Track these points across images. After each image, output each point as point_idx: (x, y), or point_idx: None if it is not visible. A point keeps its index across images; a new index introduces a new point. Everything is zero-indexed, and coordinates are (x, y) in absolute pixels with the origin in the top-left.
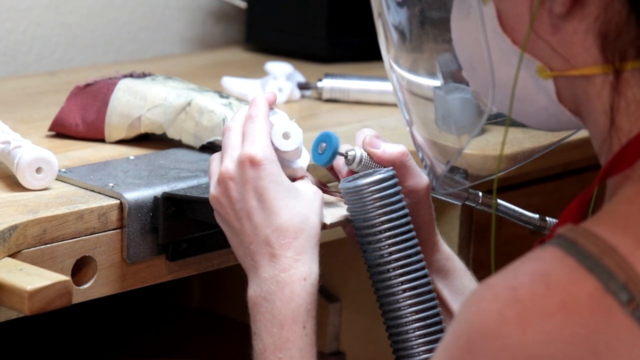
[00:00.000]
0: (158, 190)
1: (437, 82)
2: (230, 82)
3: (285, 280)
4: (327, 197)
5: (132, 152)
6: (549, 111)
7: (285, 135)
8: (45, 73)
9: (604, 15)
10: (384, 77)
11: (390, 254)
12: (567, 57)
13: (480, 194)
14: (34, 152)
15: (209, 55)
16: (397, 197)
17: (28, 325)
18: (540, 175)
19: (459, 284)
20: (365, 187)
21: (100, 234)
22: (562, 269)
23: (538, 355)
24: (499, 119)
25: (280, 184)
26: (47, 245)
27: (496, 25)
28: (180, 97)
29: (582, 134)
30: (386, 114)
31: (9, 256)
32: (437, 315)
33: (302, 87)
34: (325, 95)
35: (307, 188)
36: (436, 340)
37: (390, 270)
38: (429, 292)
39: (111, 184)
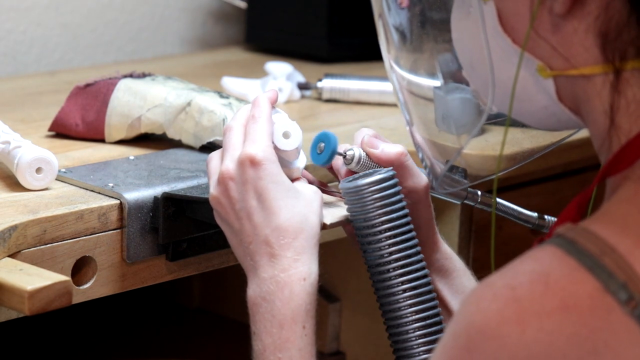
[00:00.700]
0: (158, 190)
1: (437, 83)
2: (230, 82)
3: (285, 280)
4: (327, 197)
5: (132, 152)
6: (549, 110)
7: (286, 135)
8: (45, 73)
9: (604, 14)
10: (384, 77)
11: (390, 254)
12: (567, 57)
13: (479, 192)
14: (34, 152)
15: (209, 55)
16: (397, 197)
17: (28, 325)
18: (540, 175)
19: (458, 283)
20: (365, 187)
21: (100, 234)
22: (561, 268)
23: (537, 354)
24: (499, 119)
25: (280, 184)
26: (47, 246)
27: (496, 24)
28: (180, 97)
29: (582, 134)
30: (386, 114)
31: (9, 256)
32: (437, 315)
33: (302, 87)
34: (325, 96)
35: (307, 188)
36: (436, 340)
37: (390, 270)
38: (429, 292)
39: (111, 184)
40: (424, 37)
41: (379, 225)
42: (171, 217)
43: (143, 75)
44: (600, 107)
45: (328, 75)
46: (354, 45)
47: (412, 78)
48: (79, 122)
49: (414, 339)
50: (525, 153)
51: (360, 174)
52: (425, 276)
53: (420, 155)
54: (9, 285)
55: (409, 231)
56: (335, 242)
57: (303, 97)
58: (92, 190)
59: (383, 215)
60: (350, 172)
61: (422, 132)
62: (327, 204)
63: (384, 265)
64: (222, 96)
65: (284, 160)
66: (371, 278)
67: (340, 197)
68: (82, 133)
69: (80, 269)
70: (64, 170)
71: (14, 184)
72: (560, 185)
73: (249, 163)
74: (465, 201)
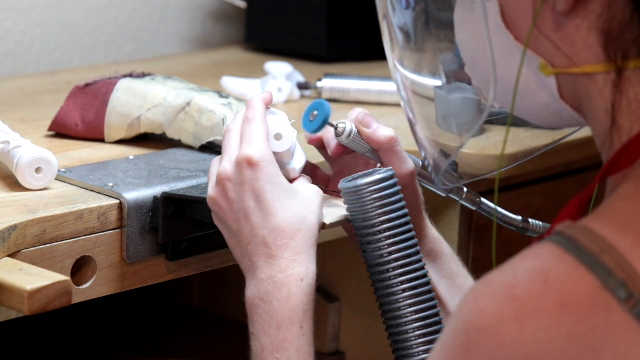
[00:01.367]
0: (158, 190)
1: (441, 82)
2: (230, 82)
3: (283, 281)
4: (327, 197)
5: (131, 152)
6: (550, 108)
7: (277, 137)
8: (45, 73)
9: (607, 13)
10: (384, 77)
11: (390, 254)
12: (569, 55)
13: (465, 189)
14: (33, 152)
15: (209, 55)
16: (397, 197)
17: (28, 325)
18: (540, 175)
19: (446, 268)
20: (365, 187)
21: (100, 234)
22: (560, 266)
23: (536, 352)
24: (500, 116)
25: (277, 184)
26: (47, 245)
27: (499, 21)
28: (180, 97)
29: (582, 134)
30: (386, 114)
31: (9, 256)
32: (436, 315)
33: (301, 87)
34: (325, 95)
35: (307, 188)
36: (436, 340)
37: (390, 270)
38: (429, 292)
39: (111, 184)
40: (429, 38)
41: (378, 225)
42: (171, 217)
43: (143, 75)
44: (601, 105)
45: (328, 75)
46: (354, 45)
47: (416, 78)
48: (78, 122)
49: (413, 338)
50: (526, 152)
51: (360, 173)
52: (425, 276)
53: (423, 153)
54: (8, 285)
55: (409, 231)
56: (335, 242)
57: (303, 97)
58: (91, 190)
59: (383, 215)
60: (340, 147)
61: (425, 131)
62: (327, 204)
63: (383, 265)
64: (222, 96)
65: (278, 161)
66: (371, 278)
67: (340, 197)
68: (81, 133)
69: (80, 268)
70: (63, 170)
71: (14, 184)
72: (560, 185)
73: (247, 164)
74: (450, 195)
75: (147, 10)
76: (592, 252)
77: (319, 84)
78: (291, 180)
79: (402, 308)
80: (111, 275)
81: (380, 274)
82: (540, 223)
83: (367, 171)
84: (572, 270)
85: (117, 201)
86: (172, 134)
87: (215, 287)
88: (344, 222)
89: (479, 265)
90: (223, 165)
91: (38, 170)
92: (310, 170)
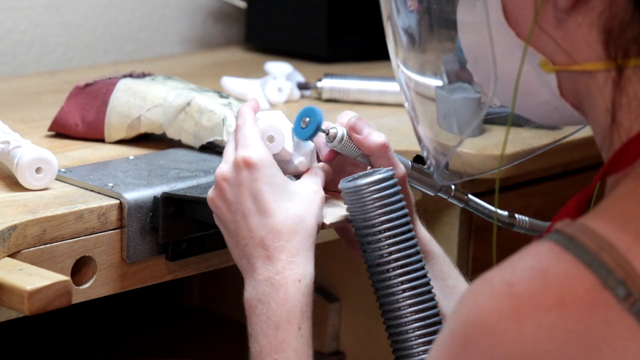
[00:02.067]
0: (158, 190)
1: (443, 82)
2: (230, 82)
3: (280, 282)
4: (327, 197)
5: (131, 152)
6: (551, 105)
7: (270, 139)
8: (45, 73)
9: (608, 11)
10: (384, 77)
11: (390, 254)
12: (570, 52)
13: (453, 187)
14: (33, 152)
15: (208, 55)
16: (397, 197)
17: (28, 325)
18: (540, 175)
19: (437, 269)
20: (365, 187)
21: (99, 234)
22: (559, 264)
23: (535, 350)
24: (501, 114)
25: (274, 185)
26: (47, 245)
27: (501, 17)
28: (180, 97)
29: (582, 134)
30: (386, 114)
31: (9, 256)
32: (436, 315)
33: (301, 87)
34: (325, 95)
35: (306, 189)
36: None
37: (390, 270)
38: (429, 292)
39: (111, 184)
40: (433, 39)
41: (378, 225)
42: (171, 217)
43: (143, 75)
44: (602, 104)
45: (328, 75)
46: (354, 45)
47: (419, 78)
48: (78, 122)
49: (413, 338)
50: (526, 151)
51: (360, 173)
52: (425, 276)
53: (425, 153)
54: (8, 285)
55: (409, 231)
56: (335, 242)
57: (303, 97)
58: (91, 190)
59: (382, 215)
60: (332, 152)
61: (427, 130)
62: (327, 204)
63: (383, 265)
64: (221, 96)
65: (281, 162)
66: (371, 278)
67: (340, 197)
68: (81, 133)
69: (80, 268)
70: (63, 170)
71: (14, 184)
72: (560, 185)
73: (244, 165)
74: (439, 194)
75: (147, 11)
76: (591, 251)
77: (319, 84)
78: (302, 174)
79: (402, 308)
80: (111, 275)
81: (380, 274)
82: (527, 218)
83: (367, 171)
84: (571, 268)
85: (117, 201)
86: (172, 134)
87: (215, 287)
88: (344, 222)
89: (479, 265)
90: (220, 166)
91: (38, 170)
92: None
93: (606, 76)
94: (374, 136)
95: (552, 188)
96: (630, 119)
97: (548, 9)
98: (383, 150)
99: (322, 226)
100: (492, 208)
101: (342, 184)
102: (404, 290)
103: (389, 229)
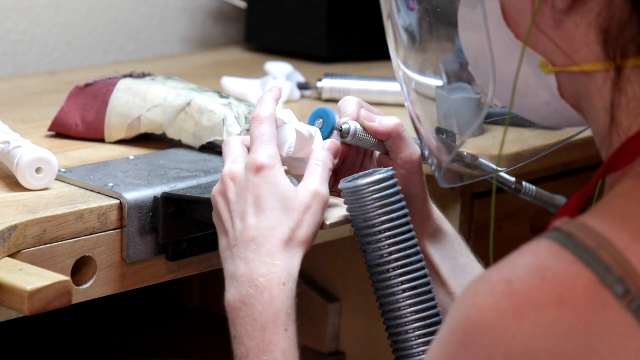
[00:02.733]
0: (158, 190)
1: (443, 82)
2: (230, 82)
3: (264, 284)
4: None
5: (132, 152)
6: (551, 107)
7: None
8: (45, 73)
9: (606, 11)
10: (384, 77)
11: (390, 254)
12: (568, 53)
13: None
14: (33, 152)
15: (209, 55)
16: (397, 197)
17: (28, 325)
18: (540, 175)
19: (449, 247)
20: (365, 187)
21: (100, 234)
22: (558, 262)
23: (533, 348)
24: (503, 117)
25: (273, 193)
26: (47, 246)
27: (500, 19)
28: (180, 97)
29: (582, 134)
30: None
31: (9, 256)
32: (436, 315)
33: (302, 87)
34: (325, 95)
35: (306, 194)
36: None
37: (390, 270)
38: (429, 292)
39: (111, 184)
40: (433, 39)
41: (378, 225)
42: (171, 217)
43: (143, 76)
44: (601, 104)
45: (328, 75)
46: (354, 45)
47: (420, 78)
48: (78, 122)
49: (413, 338)
50: (530, 152)
51: (360, 174)
52: (425, 276)
53: (426, 152)
54: (9, 285)
55: (409, 231)
56: (335, 242)
57: (303, 97)
58: (92, 190)
59: (383, 215)
60: (347, 147)
61: (428, 130)
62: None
63: (383, 265)
64: (222, 96)
65: (294, 160)
66: (371, 278)
67: (340, 196)
68: (82, 133)
69: (80, 269)
70: (63, 170)
71: (14, 184)
72: (560, 185)
73: (255, 169)
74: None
75: (147, 11)
76: (589, 248)
77: (319, 84)
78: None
79: (402, 308)
80: (111, 275)
81: (381, 274)
82: (534, 187)
83: (367, 171)
84: (570, 266)
85: (118, 201)
86: (172, 134)
87: (215, 287)
88: (344, 223)
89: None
90: (230, 164)
91: (38, 170)
92: None
93: (605, 76)
94: (387, 119)
95: (553, 188)
96: (629, 119)
97: (546, 10)
98: (399, 130)
99: (322, 226)
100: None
101: (342, 184)
102: (404, 291)
103: (389, 229)
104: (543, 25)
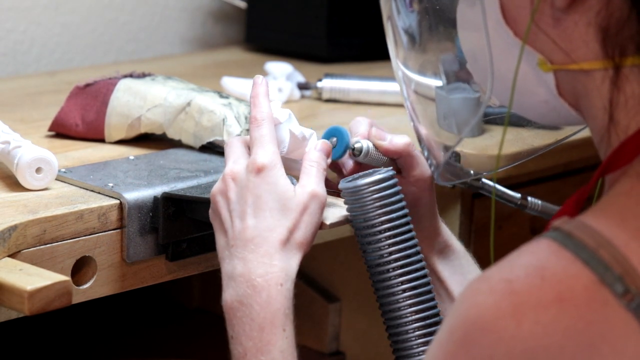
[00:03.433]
0: (158, 190)
1: (442, 82)
2: (230, 82)
3: (262, 284)
4: (327, 197)
5: (132, 152)
6: (549, 105)
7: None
8: (45, 73)
9: (605, 9)
10: (384, 77)
11: (390, 254)
12: (567, 51)
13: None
14: (33, 152)
15: (209, 55)
16: (397, 197)
17: (28, 325)
18: (540, 175)
19: (457, 264)
20: (365, 187)
21: (100, 234)
22: (557, 261)
23: (533, 347)
24: (501, 115)
25: (273, 193)
26: (47, 245)
27: (499, 16)
28: (180, 97)
29: (582, 134)
30: (386, 114)
31: (9, 256)
32: (436, 315)
33: (302, 87)
34: (325, 95)
35: (304, 195)
36: None
37: (390, 270)
38: (429, 292)
39: (111, 184)
40: (432, 39)
41: (378, 225)
42: (171, 217)
43: (143, 75)
44: (599, 102)
45: (328, 75)
46: (354, 45)
47: (420, 78)
48: (78, 122)
49: (413, 339)
50: (528, 151)
51: (360, 173)
52: (425, 276)
53: (425, 154)
54: (8, 285)
55: (409, 231)
56: (335, 242)
57: (303, 97)
58: (92, 190)
59: (383, 215)
60: (358, 165)
61: (427, 130)
62: (326, 204)
63: (383, 265)
64: (222, 96)
65: (290, 161)
66: (371, 278)
67: (340, 197)
68: (82, 133)
69: (80, 269)
70: (63, 170)
71: (14, 184)
72: (560, 185)
73: (256, 170)
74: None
75: (147, 11)
76: (589, 247)
77: (319, 84)
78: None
79: (402, 308)
80: (111, 275)
81: (380, 274)
82: (540, 202)
83: (367, 171)
84: (569, 265)
85: (117, 201)
86: (172, 134)
87: (215, 287)
88: (344, 223)
89: (479, 264)
90: (231, 164)
91: (38, 170)
92: None
93: (603, 75)
94: (397, 138)
95: (552, 188)
96: (627, 118)
97: (545, 8)
98: (410, 149)
99: (321, 226)
100: (505, 190)
101: (342, 184)
102: (404, 291)
103: (389, 229)
104: (542, 23)
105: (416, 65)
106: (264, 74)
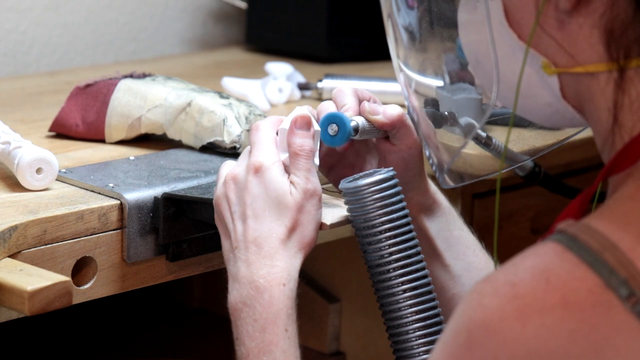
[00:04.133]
0: (158, 190)
1: (444, 82)
2: (230, 83)
3: (264, 285)
4: (327, 197)
5: (132, 152)
6: (552, 107)
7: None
8: (45, 73)
9: (609, 12)
10: (384, 77)
11: (391, 254)
12: (572, 53)
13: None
14: (34, 153)
15: (209, 56)
16: (397, 197)
17: (28, 325)
18: None
19: (443, 220)
20: (366, 187)
21: (100, 234)
22: (562, 264)
23: (538, 350)
24: (504, 116)
25: (270, 190)
26: (48, 246)
27: (502, 19)
28: (180, 98)
29: (583, 134)
30: None
31: (9, 256)
32: (437, 315)
33: (302, 87)
34: (326, 96)
35: (296, 194)
36: (436, 341)
37: (391, 270)
38: (429, 292)
39: (111, 185)
40: (434, 38)
41: (379, 226)
42: (171, 218)
43: (143, 76)
44: (603, 104)
45: (328, 75)
46: (354, 45)
47: (421, 79)
48: (79, 123)
49: (414, 339)
50: (529, 152)
51: (361, 174)
52: (425, 276)
53: (427, 152)
54: (9, 286)
55: (409, 231)
56: (335, 242)
57: (303, 97)
58: (92, 191)
59: (383, 216)
60: (351, 143)
61: (429, 130)
62: (327, 204)
63: (384, 265)
64: (222, 96)
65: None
66: (371, 278)
67: (340, 197)
68: (82, 133)
69: (81, 269)
70: (64, 170)
71: (14, 184)
72: None
73: (254, 170)
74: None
75: (148, 11)
76: (593, 250)
77: (320, 85)
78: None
79: (403, 308)
80: (112, 275)
81: (381, 274)
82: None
83: (367, 171)
84: (574, 268)
85: (118, 201)
86: (172, 134)
87: (215, 287)
88: (344, 223)
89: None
90: (232, 167)
91: (39, 170)
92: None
93: (608, 77)
94: (390, 110)
95: None
96: (632, 120)
97: (549, 11)
98: (403, 119)
99: (322, 227)
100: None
101: (343, 185)
102: (405, 291)
103: (389, 230)
104: (546, 25)
105: (417, 65)
106: (264, 74)
